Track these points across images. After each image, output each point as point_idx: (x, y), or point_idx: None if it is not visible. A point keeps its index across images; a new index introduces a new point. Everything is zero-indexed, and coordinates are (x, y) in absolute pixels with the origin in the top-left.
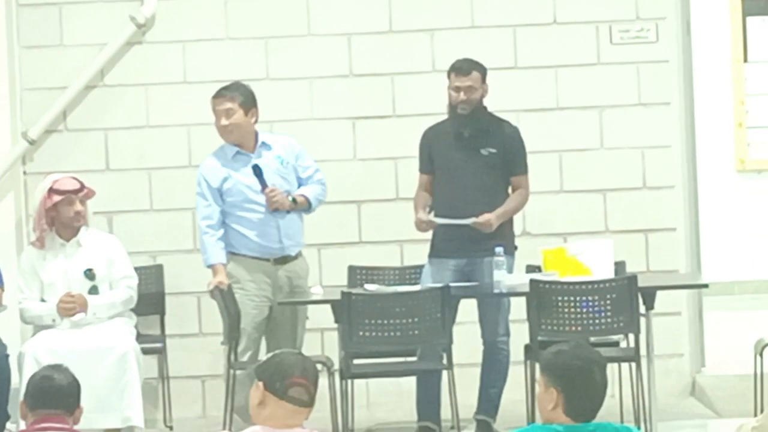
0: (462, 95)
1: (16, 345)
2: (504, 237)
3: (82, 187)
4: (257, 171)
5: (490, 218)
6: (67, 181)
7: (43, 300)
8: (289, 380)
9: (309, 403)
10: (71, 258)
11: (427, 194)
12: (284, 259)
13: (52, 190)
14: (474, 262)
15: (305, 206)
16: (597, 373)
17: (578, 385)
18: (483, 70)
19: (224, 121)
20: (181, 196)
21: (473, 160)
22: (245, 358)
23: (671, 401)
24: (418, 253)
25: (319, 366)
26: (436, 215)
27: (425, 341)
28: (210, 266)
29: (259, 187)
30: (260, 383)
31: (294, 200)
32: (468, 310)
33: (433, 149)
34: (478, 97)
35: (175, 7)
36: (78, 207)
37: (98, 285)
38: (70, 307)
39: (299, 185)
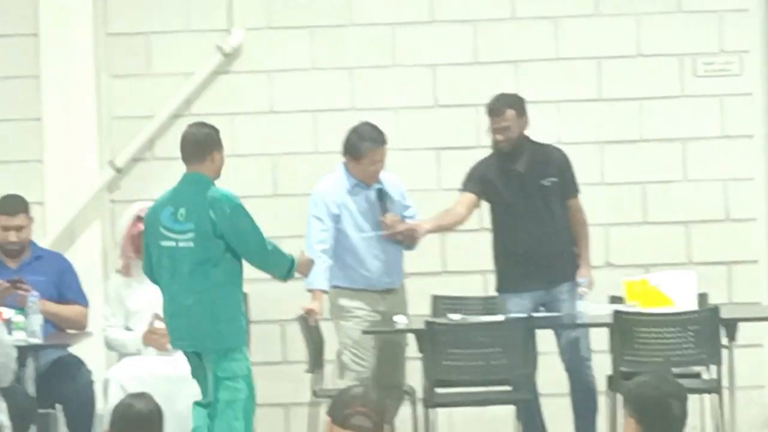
0: (499, 136)
1: (101, 371)
2: (575, 264)
3: None
4: (381, 194)
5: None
6: None
7: (128, 328)
8: (350, 410)
9: (373, 430)
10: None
11: (461, 212)
12: (388, 292)
13: (138, 218)
14: (550, 292)
15: (412, 242)
16: (675, 404)
17: (656, 417)
18: (518, 106)
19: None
20: (266, 225)
21: (537, 193)
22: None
23: None
24: (492, 283)
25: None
26: (507, 256)
27: (509, 371)
28: (311, 290)
29: (374, 218)
30: (328, 418)
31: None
32: (544, 342)
33: (488, 183)
34: (516, 134)
35: (262, 37)
36: None
37: None
38: (161, 342)
39: None
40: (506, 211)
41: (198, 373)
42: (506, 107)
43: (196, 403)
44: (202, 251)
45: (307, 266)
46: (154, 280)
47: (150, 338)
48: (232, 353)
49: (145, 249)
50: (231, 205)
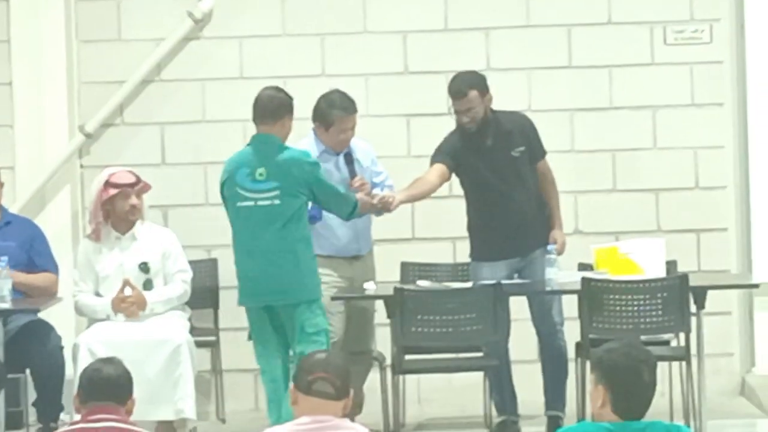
0: (465, 118)
1: (71, 337)
2: (546, 229)
3: (138, 180)
4: (349, 158)
5: (564, 239)
6: (124, 174)
7: (98, 293)
8: (312, 376)
9: (336, 396)
10: (126, 251)
11: (432, 180)
12: (356, 258)
13: (108, 184)
14: (527, 258)
15: (382, 208)
16: (645, 371)
17: (625, 383)
18: (481, 85)
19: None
20: None
21: (508, 165)
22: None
23: (721, 400)
24: (466, 250)
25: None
26: (481, 227)
27: (478, 338)
28: None
29: (343, 186)
30: (291, 384)
31: None
32: (517, 308)
33: (458, 157)
34: (481, 113)
35: (232, 3)
36: (134, 201)
37: (153, 279)
38: (131, 310)
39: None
40: (478, 184)
41: (264, 332)
42: (469, 88)
43: (264, 374)
44: (288, 208)
45: (367, 207)
46: None
47: (119, 305)
48: (316, 306)
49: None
50: (310, 162)
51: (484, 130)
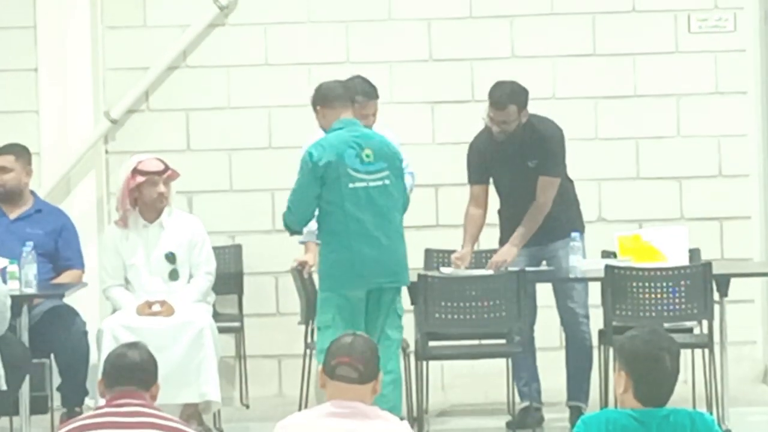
0: (496, 128)
1: (95, 322)
2: (575, 221)
3: (166, 168)
4: None
5: (506, 258)
6: (152, 162)
7: (126, 279)
8: (335, 360)
9: (359, 380)
10: (153, 240)
11: (480, 212)
12: None
13: (136, 171)
14: (547, 248)
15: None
16: (667, 359)
17: (647, 370)
18: (522, 101)
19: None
20: (261, 177)
21: (524, 172)
22: None
23: (743, 388)
24: (494, 237)
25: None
26: (506, 217)
27: (501, 324)
28: (303, 243)
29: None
30: (320, 367)
31: None
32: (546, 294)
33: (485, 165)
34: (514, 126)
35: None
36: (161, 188)
37: (178, 269)
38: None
39: None
40: (501, 183)
41: (357, 318)
42: (510, 103)
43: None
44: (395, 189)
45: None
46: (298, 230)
47: (144, 312)
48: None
49: (310, 198)
50: (396, 146)
51: (510, 138)
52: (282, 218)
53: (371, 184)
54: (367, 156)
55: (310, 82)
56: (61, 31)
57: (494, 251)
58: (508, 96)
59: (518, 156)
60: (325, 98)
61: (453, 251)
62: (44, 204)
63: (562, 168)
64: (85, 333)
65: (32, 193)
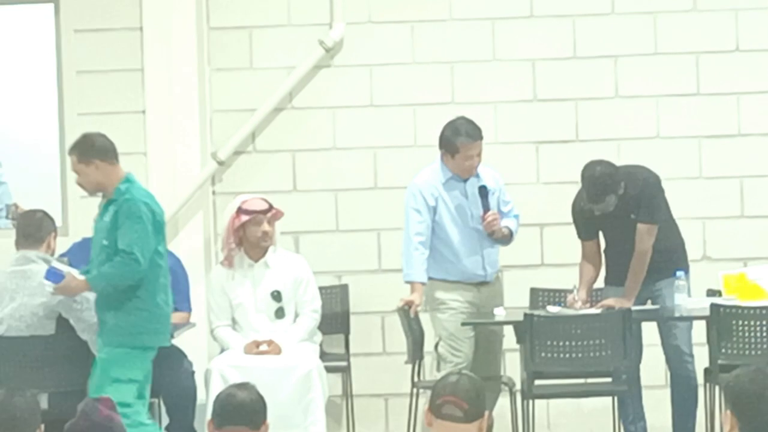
0: (597, 211)
1: (203, 361)
2: (680, 259)
3: (271, 207)
4: (484, 192)
5: (618, 306)
6: (256, 201)
7: (234, 319)
8: (440, 399)
9: (465, 419)
10: (259, 279)
11: (592, 266)
12: (483, 284)
13: (240, 210)
14: (652, 286)
15: (508, 239)
16: None
17: (752, 409)
18: (616, 188)
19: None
20: (367, 217)
21: (628, 223)
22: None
23: None
24: (599, 277)
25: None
26: (611, 257)
27: (607, 363)
28: (409, 282)
29: (470, 212)
30: (426, 406)
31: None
32: (652, 333)
33: (591, 222)
34: (613, 207)
35: (363, 31)
36: (266, 227)
37: (284, 306)
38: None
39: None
40: (606, 234)
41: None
42: (607, 194)
43: None
44: None
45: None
46: None
47: (252, 351)
48: None
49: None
50: None
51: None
52: None
53: None
54: None
55: (415, 123)
56: (168, 73)
57: (601, 290)
58: (602, 191)
59: (619, 210)
60: (106, 152)
61: (558, 291)
62: None
63: (661, 213)
64: (192, 373)
65: None
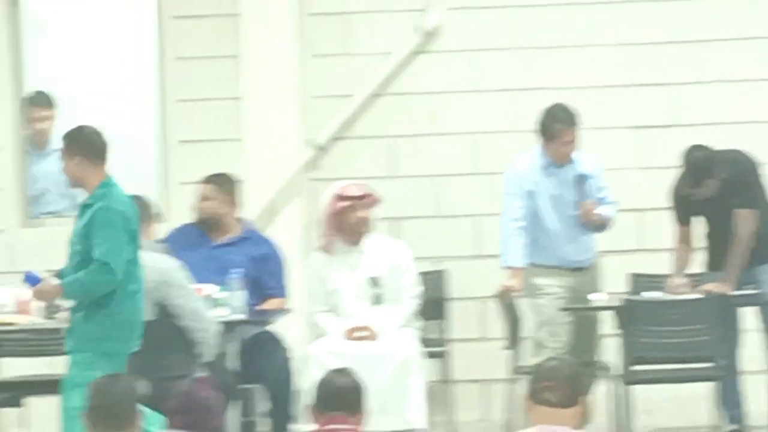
0: (698, 196)
1: (301, 346)
2: None
3: (368, 193)
4: (581, 179)
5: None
6: (354, 187)
7: (332, 305)
8: (538, 384)
9: (561, 405)
10: (356, 265)
11: (686, 249)
12: (579, 270)
13: (338, 196)
14: (751, 272)
15: (602, 227)
16: None
17: None
18: (716, 173)
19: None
20: (466, 203)
21: (729, 206)
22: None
23: None
24: (699, 261)
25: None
26: (711, 244)
27: (706, 348)
28: (508, 267)
29: (567, 198)
30: (526, 393)
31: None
32: (753, 318)
33: (690, 207)
34: (715, 190)
35: (460, 16)
36: (362, 213)
37: (382, 293)
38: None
39: None
40: (707, 218)
41: None
42: (706, 179)
43: None
44: None
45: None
46: None
47: (351, 336)
48: None
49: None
50: None
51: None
52: None
53: None
54: None
55: (514, 108)
56: (265, 59)
57: (703, 275)
58: (702, 175)
59: (719, 197)
60: (92, 150)
61: (658, 276)
62: (253, 232)
63: (758, 198)
64: (288, 359)
65: (241, 220)
